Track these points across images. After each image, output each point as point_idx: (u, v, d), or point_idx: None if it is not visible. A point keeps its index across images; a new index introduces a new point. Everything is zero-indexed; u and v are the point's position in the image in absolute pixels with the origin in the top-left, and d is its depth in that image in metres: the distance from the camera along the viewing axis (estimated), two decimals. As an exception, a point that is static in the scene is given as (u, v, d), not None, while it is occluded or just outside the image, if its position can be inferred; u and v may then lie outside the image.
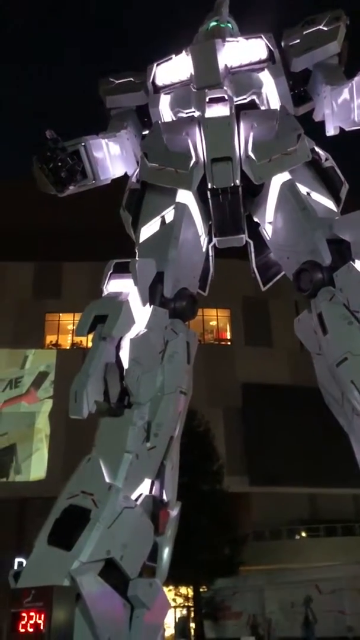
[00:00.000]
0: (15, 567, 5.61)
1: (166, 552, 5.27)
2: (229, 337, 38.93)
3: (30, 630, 4.09)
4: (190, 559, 19.38)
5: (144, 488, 5.17)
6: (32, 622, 4.11)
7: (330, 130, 6.42)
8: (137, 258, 6.02)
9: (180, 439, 5.68)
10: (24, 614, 4.14)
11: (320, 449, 29.89)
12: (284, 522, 34.64)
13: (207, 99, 6.04)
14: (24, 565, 4.82)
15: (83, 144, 6.37)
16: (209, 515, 22.93)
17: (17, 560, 14.94)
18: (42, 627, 4.06)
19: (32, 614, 4.12)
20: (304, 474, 32.37)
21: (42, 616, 4.08)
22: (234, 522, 25.32)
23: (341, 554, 29.19)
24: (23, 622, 4.13)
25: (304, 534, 35.23)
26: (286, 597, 23.70)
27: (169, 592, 23.30)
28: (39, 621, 4.08)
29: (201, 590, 24.69)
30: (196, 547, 20.66)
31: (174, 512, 5.42)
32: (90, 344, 5.54)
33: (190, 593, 25.10)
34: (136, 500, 5.05)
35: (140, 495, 5.12)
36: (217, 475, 25.97)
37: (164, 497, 5.24)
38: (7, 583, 4.65)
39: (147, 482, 5.19)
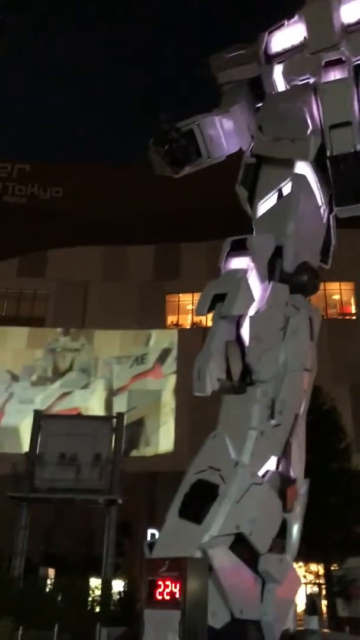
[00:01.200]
0: (149, 538, 5.89)
1: (295, 529, 5.26)
2: (353, 311, 37.43)
3: (167, 597, 4.29)
4: (320, 536, 19.16)
5: (271, 465, 5.17)
6: (168, 590, 4.31)
7: None
8: (254, 234, 5.95)
9: (305, 416, 5.59)
10: (160, 582, 4.35)
11: None
12: None
13: (322, 63, 5.76)
14: (156, 536, 5.04)
15: (197, 122, 6.36)
16: (337, 493, 22.47)
17: (149, 531, 15.64)
18: (177, 596, 4.24)
19: (167, 582, 4.32)
20: None
21: (177, 585, 4.26)
22: (365, 500, 24.55)
23: None
24: (159, 590, 4.35)
25: None
26: None
27: (298, 569, 23.25)
28: (174, 590, 4.27)
29: (332, 568, 24.36)
30: (326, 525, 20.37)
31: (302, 490, 5.37)
32: (210, 323, 5.59)
33: (321, 570, 24.87)
34: (263, 477, 5.06)
35: (267, 472, 5.13)
36: (346, 453, 25.29)
37: (291, 474, 5.21)
38: (142, 553, 4.91)
39: (273, 459, 5.18)
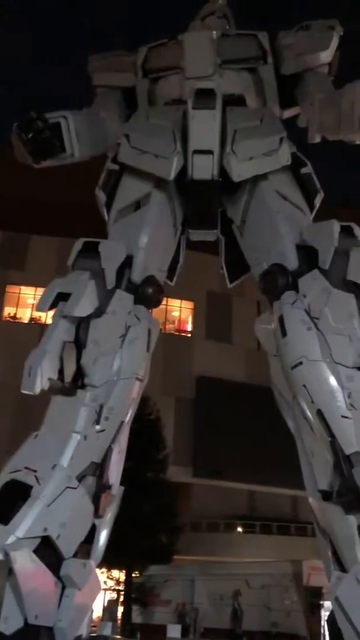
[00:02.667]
0: None
1: (103, 535, 5.30)
2: (189, 329, 39.08)
3: None
4: (126, 543, 19.51)
5: (89, 470, 5.17)
6: None
7: (313, 138, 6.47)
8: (108, 239, 5.97)
9: (130, 424, 5.70)
10: None
11: (266, 448, 30.44)
12: (222, 515, 35.20)
13: (195, 90, 6.01)
14: None
15: (64, 116, 6.25)
16: (150, 503, 23.12)
17: None
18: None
19: None
20: (247, 471, 32.91)
21: (-28, 588, 4.06)
22: (174, 511, 25.60)
23: (274, 552, 29.90)
24: None
25: (240, 529, 35.89)
26: (216, 589, 24.17)
27: (101, 575, 23.38)
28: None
29: (133, 575, 24.92)
30: (134, 532, 20.80)
31: (116, 496, 5.44)
32: (49, 321, 5.48)
33: (123, 577, 25.29)
34: (79, 481, 5.04)
35: (84, 476, 5.12)
36: (162, 463, 26.18)
37: (108, 480, 5.25)
38: None
39: (92, 464, 5.19)
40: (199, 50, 6.53)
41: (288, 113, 7.02)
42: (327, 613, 4.83)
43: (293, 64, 6.64)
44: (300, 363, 5.05)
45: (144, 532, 22.28)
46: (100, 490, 5.14)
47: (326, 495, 4.89)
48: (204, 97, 5.96)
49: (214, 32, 6.67)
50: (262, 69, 6.72)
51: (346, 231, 5.46)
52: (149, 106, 6.92)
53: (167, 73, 6.83)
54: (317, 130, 6.40)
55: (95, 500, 5.10)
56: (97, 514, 5.13)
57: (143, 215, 6.05)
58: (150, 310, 5.92)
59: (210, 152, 5.89)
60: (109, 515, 5.34)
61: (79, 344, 5.28)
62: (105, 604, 26.03)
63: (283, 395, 5.63)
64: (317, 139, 6.50)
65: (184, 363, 35.76)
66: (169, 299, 35.12)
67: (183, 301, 37.85)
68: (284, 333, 5.24)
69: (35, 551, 4.54)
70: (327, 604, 16.90)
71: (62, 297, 5.36)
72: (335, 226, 5.36)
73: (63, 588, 4.74)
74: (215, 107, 5.93)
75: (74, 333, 5.31)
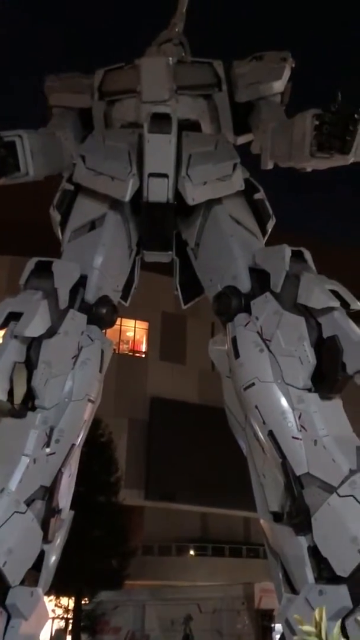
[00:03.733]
0: None
1: (52, 561, 5.16)
2: (144, 349, 38.94)
3: None
4: (76, 569, 19.04)
5: (38, 494, 5.04)
6: None
7: (266, 165, 6.65)
8: (62, 259, 5.93)
9: (81, 447, 5.60)
10: None
11: (219, 469, 30.45)
12: (175, 538, 34.87)
13: (151, 114, 6.10)
14: None
15: (19, 135, 6.22)
16: (101, 527, 22.69)
17: None
18: None
19: None
20: (199, 493, 32.79)
21: None
22: (125, 534, 25.20)
23: (226, 575, 29.74)
24: None
25: (192, 552, 35.58)
26: (167, 614, 23.80)
27: (49, 603, 22.65)
28: None
29: (83, 602, 24.27)
30: (84, 557, 20.34)
31: (65, 521, 5.32)
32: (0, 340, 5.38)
33: (71, 604, 24.60)
34: (28, 505, 4.91)
35: (33, 500, 4.99)
36: (114, 486, 25.79)
37: (57, 504, 5.14)
38: None
39: (41, 488, 5.06)
40: (155, 75, 6.64)
41: (242, 139, 7.20)
42: (278, 636, 4.83)
43: (247, 92, 6.84)
44: (253, 384, 5.11)
45: (95, 557, 21.81)
46: (49, 515, 5.02)
47: (277, 517, 4.93)
48: (160, 121, 6.05)
49: (170, 58, 6.81)
50: (216, 96, 6.88)
51: (297, 256, 5.60)
52: (105, 128, 6.97)
53: (124, 96, 6.92)
54: (269, 157, 6.59)
55: (44, 525, 4.97)
56: (46, 539, 4.99)
57: (98, 235, 6.05)
58: (104, 331, 5.89)
59: (165, 175, 5.97)
60: (59, 540, 5.21)
61: (30, 364, 5.19)
62: (53, 634, 25.21)
63: (235, 416, 5.67)
64: (270, 166, 6.69)
65: (138, 384, 35.57)
66: (123, 319, 34.97)
67: (137, 321, 37.78)
68: (236, 354, 5.31)
69: (-20, 580, 4.38)
70: (278, 626, 16.90)
71: (13, 317, 5.27)
72: (287, 251, 5.49)
73: (8, 618, 4.58)
74: (171, 131, 6.03)
75: (25, 354, 5.22)
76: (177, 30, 7.53)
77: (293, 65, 6.90)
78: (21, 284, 5.67)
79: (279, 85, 6.84)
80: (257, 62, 6.97)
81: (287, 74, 6.86)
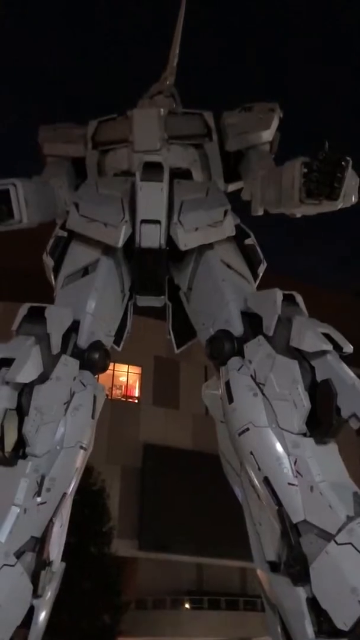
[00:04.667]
0: None
1: (42, 617, 4.94)
2: (137, 394, 38.65)
3: None
4: (67, 625, 18.32)
5: (28, 545, 4.89)
6: None
7: (256, 211, 6.79)
8: (55, 305, 5.95)
9: (73, 495, 5.47)
10: None
11: (214, 518, 29.79)
12: (169, 591, 33.79)
13: (143, 163, 6.24)
14: None
15: (14, 183, 6.34)
16: (92, 579, 21.97)
17: None
18: None
19: None
20: (195, 543, 31.98)
21: None
22: (117, 587, 24.39)
23: (223, 630, 28.70)
24: None
25: (187, 605, 34.41)
26: (162, 673, 22.79)
27: (38, 662, 21.64)
28: None
29: (74, 661, 23.23)
30: (77, 612, 19.62)
31: (57, 573, 5.14)
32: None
33: (62, 664, 23.52)
34: (17, 557, 4.75)
35: (23, 552, 4.83)
36: (106, 536, 25.09)
37: (49, 556, 4.97)
38: None
39: (31, 539, 4.91)
40: (147, 125, 6.84)
41: (232, 187, 7.36)
42: None
43: (236, 141, 7.04)
44: (247, 429, 5.04)
45: (86, 612, 21.01)
46: (40, 567, 4.83)
47: (274, 567, 4.79)
48: (152, 170, 6.19)
49: (162, 109, 7.03)
50: (207, 145, 7.08)
51: (288, 299, 5.65)
52: (99, 177, 7.13)
53: (116, 146, 7.10)
54: (259, 204, 6.72)
55: (34, 578, 4.78)
56: (36, 593, 4.80)
57: (91, 280, 6.09)
58: (96, 376, 5.84)
59: (157, 221, 6.06)
60: (49, 594, 5.00)
61: (21, 411, 5.12)
62: None
63: (230, 462, 5.58)
64: (260, 212, 6.83)
65: (131, 430, 35.10)
66: (116, 364, 34.80)
67: (130, 366, 37.59)
68: (230, 399, 5.26)
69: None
70: None
71: (4, 363, 5.23)
72: (279, 294, 5.53)
73: None
74: (163, 179, 6.15)
75: (16, 400, 5.16)
76: (167, 82, 7.82)
77: (281, 116, 7.14)
78: (13, 329, 5.65)
79: (268, 135, 7.05)
80: (246, 112, 7.21)
81: (275, 123, 7.08)
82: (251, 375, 5.27)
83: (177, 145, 7.00)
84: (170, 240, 6.06)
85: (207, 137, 7.09)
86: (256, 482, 4.97)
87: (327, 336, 5.25)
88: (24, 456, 5.04)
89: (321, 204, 6.00)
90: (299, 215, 6.46)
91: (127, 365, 37.15)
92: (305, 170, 5.93)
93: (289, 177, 6.10)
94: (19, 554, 4.77)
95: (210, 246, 6.22)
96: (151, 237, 6.05)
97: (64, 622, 17.04)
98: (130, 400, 37.85)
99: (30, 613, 4.79)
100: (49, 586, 4.99)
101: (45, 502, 4.99)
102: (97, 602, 22.06)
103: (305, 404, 4.97)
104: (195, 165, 7.09)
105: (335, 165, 5.80)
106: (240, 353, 5.49)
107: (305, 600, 4.42)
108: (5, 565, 4.54)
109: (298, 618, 4.44)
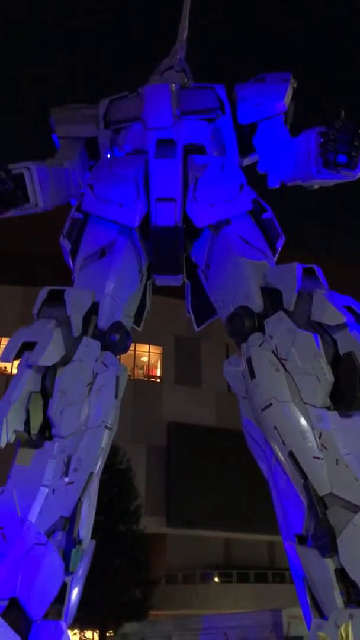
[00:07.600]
0: None
1: (75, 593, 5.07)
2: (159, 374, 38.84)
3: None
4: (99, 601, 18.72)
5: (58, 524, 4.99)
6: None
7: (273, 184, 6.68)
8: (73, 287, 5.96)
9: (100, 475, 5.55)
10: None
11: (240, 493, 30.01)
12: (198, 565, 34.27)
13: (156, 140, 6.17)
14: None
15: (28, 167, 6.32)
16: (123, 556, 22.36)
17: None
18: None
19: None
20: (222, 518, 32.28)
21: None
22: (148, 564, 24.78)
23: (252, 601, 29.08)
24: None
25: (216, 579, 34.90)
26: (194, 644, 23.19)
27: (73, 636, 22.31)
28: None
29: (107, 634, 23.82)
30: (108, 589, 20.01)
31: (87, 551, 5.25)
32: (15, 371, 5.38)
33: (96, 637, 24.16)
34: (48, 536, 4.85)
35: (54, 531, 4.93)
36: (135, 514, 25.45)
37: (78, 534, 5.07)
38: None
39: (61, 519, 5.01)
40: (159, 102, 6.74)
41: (247, 161, 7.24)
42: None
43: (250, 114, 6.90)
44: (270, 405, 5.04)
45: (117, 588, 21.46)
46: (70, 546, 4.95)
47: (301, 540, 4.82)
48: (165, 147, 6.13)
49: (173, 84, 6.91)
50: (220, 119, 6.95)
51: (308, 273, 5.58)
52: (112, 156, 7.06)
53: (129, 124, 7.01)
54: (275, 176, 6.61)
55: (66, 556, 4.91)
56: (68, 571, 4.92)
57: (108, 262, 6.08)
58: (118, 357, 5.87)
59: (172, 199, 6.02)
60: (81, 571, 5.13)
61: (46, 394, 5.18)
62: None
63: (254, 438, 5.59)
64: (277, 185, 6.72)
65: (154, 409, 35.37)
66: (137, 344, 34.95)
67: (151, 346, 37.74)
68: (252, 375, 5.25)
69: (3, 614, 4.31)
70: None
71: (27, 347, 5.29)
72: (298, 268, 5.47)
73: (33, 654, 4.49)
74: (176, 156, 6.09)
75: (40, 383, 5.21)
76: (178, 57, 7.66)
77: (295, 85, 6.97)
78: (34, 313, 5.69)
79: (282, 105, 6.90)
80: (259, 84, 7.05)
81: (289, 93, 6.92)
82: (273, 351, 5.25)
83: (189, 120, 6.89)
84: (186, 218, 6.01)
85: (220, 111, 6.97)
86: (281, 456, 4.98)
87: (349, 309, 5.19)
88: (50, 438, 5.13)
89: (339, 174, 5.89)
90: (316, 187, 6.34)
91: (148, 345, 37.31)
92: (322, 140, 5.81)
93: (304, 148, 5.98)
94: (49, 533, 4.89)
95: (227, 222, 6.16)
96: (167, 215, 6.02)
97: (97, 598, 17.43)
98: (152, 379, 38.09)
99: (64, 590, 4.93)
100: (81, 563, 5.10)
101: (73, 482, 5.08)
102: (128, 578, 22.51)
103: (329, 377, 4.94)
104: (209, 141, 6.98)
105: (352, 133, 5.67)
106: (261, 329, 5.47)
107: (333, 571, 4.45)
108: (36, 544, 4.65)
109: (327, 589, 4.47)
